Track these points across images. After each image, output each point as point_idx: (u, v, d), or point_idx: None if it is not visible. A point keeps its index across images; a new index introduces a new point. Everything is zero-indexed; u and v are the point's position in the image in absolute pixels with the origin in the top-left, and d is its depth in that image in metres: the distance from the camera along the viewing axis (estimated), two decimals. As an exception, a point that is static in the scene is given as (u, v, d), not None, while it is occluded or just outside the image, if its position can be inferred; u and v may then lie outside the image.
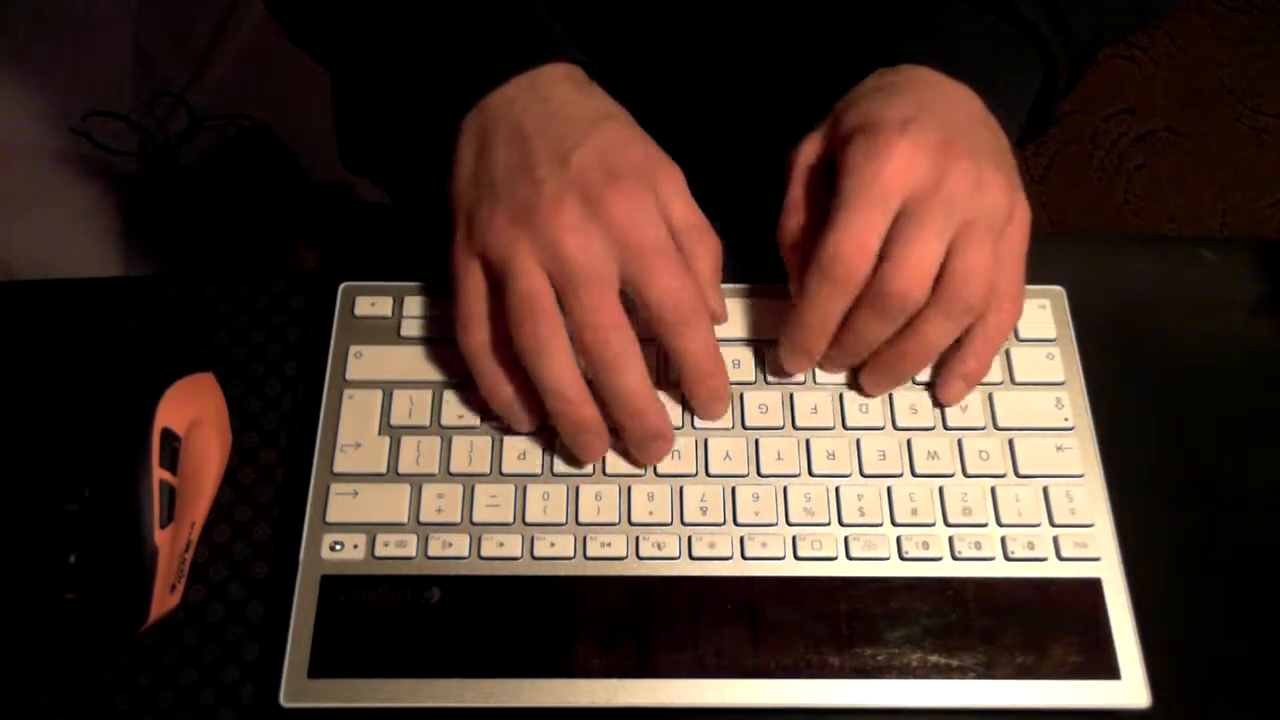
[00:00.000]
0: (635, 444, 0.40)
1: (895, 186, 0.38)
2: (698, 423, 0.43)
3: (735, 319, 0.45)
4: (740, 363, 0.44)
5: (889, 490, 0.42)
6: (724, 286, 0.45)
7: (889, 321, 0.39)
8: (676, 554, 0.41)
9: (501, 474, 0.42)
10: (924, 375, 0.43)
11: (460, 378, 0.43)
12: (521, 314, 0.38)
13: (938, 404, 0.43)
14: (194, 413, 0.42)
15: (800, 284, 0.41)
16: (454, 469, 0.42)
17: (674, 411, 0.43)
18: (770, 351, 0.44)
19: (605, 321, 0.38)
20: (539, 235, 0.38)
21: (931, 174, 0.38)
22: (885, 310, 0.39)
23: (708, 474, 0.42)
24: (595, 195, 0.38)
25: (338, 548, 0.41)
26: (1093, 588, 0.40)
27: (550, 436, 0.42)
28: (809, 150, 0.43)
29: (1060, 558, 0.41)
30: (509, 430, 0.42)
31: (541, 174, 0.39)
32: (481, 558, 0.40)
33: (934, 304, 0.39)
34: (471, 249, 0.40)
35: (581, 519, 0.41)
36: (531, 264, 0.38)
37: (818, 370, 0.44)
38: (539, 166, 0.39)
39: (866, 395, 0.43)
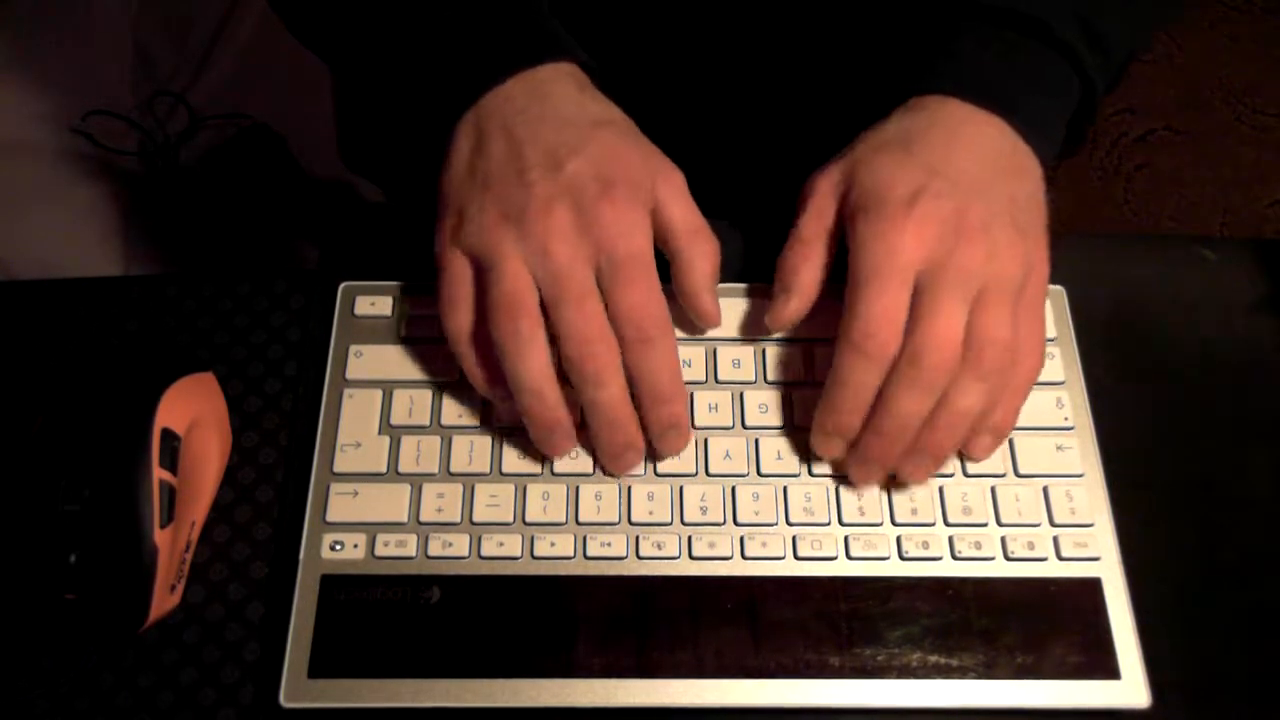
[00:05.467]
0: (608, 454, 0.41)
1: (909, 262, 0.38)
2: (698, 422, 0.43)
3: (736, 319, 0.45)
4: (740, 362, 0.44)
5: (889, 490, 0.42)
6: (725, 286, 0.45)
7: (927, 394, 0.38)
8: (676, 554, 0.41)
9: (501, 474, 0.42)
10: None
11: (460, 377, 0.43)
12: (502, 312, 0.38)
13: (967, 460, 0.42)
14: (194, 413, 0.42)
15: (779, 313, 0.41)
16: (454, 469, 0.42)
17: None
18: (773, 349, 0.44)
19: (592, 335, 0.38)
20: (527, 237, 0.38)
21: (943, 245, 0.38)
22: (921, 382, 0.38)
23: (708, 474, 0.42)
24: (588, 204, 0.38)
25: (338, 547, 0.41)
26: (1093, 588, 0.40)
27: (550, 436, 0.42)
28: (823, 190, 0.42)
29: (1060, 558, 0.41)
30: (509, 430, 0.42)
31: (534, 177, 0.39)
32: (481, 557, 0.40)
33: (963, 372, 0.38)
34: (458, 242, 0.40)
35: (581, 519, 0.41)
36: (517, 264, 0.38)
37: (819, 370, 0.43)
38: (532, 169, 0.39)
39: (907, 484, 0.41)
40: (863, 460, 0.40)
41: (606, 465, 0.41)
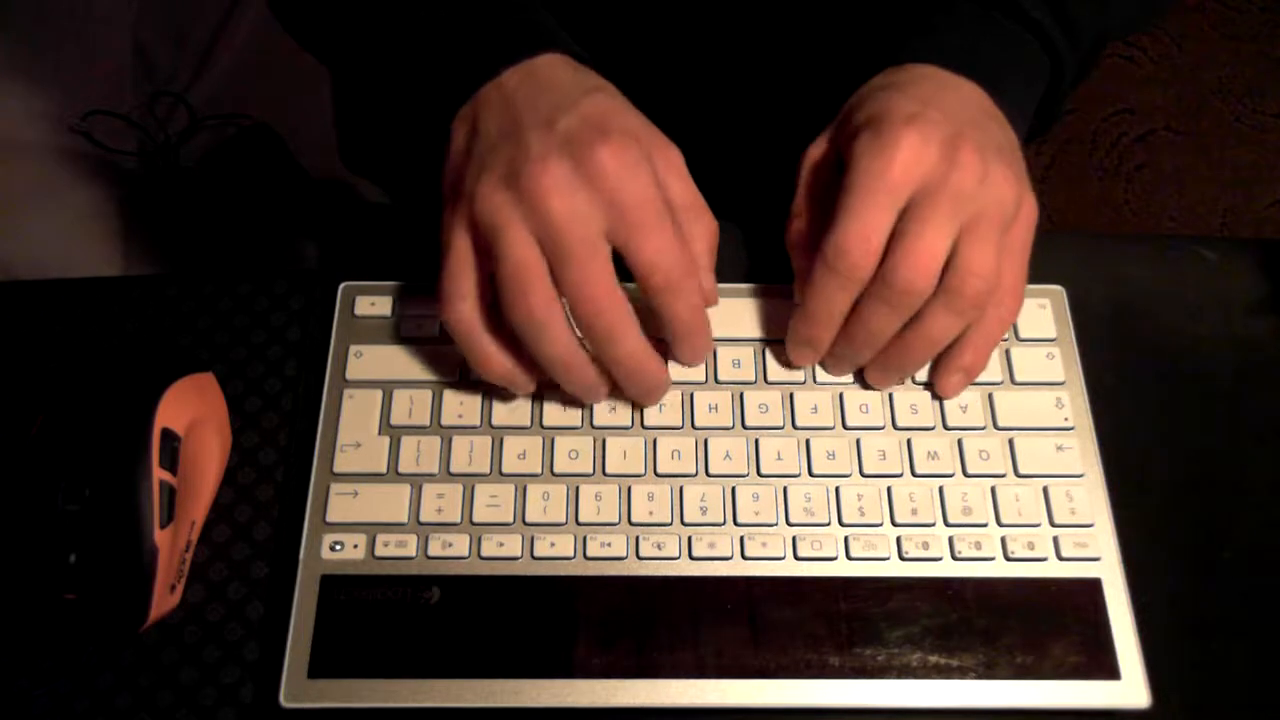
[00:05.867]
0: (637, 397, 0.42)
1: (902, 180, 0.38)
2: (698, 422, 0.43)
3: (736, 319, 0.45)
4: (740, 362, 0.44)
5: (889, 490, 0.42)
6: (726, 286, 0.45)
7: (896, 313, 0.39)
8: (676, 554, 0.41)
9: (501, 474, 0.42)
10: (923, 374, 0.43)
11: (460, 377, 0.43)
12: (514, 290, 0.37)
13: (936, 398, 0.43)
14: (194, 413, 0.42)
15: (796, 298, 0.42)
16: (454, 469, 0.42)
17: (669, 399, 0.43)
18: (774, 349, 0.44)
19: (597, 292, 0.37)
20: (526, 198, 0.37)
21: (938, 167, 0.38)
22: (892, 301, 0.38)
23: (708, 474, 0.42)
24: (584, 151, 0.37)
25: (338, 548, 0.41)
26: (1093, 588, 0.40)
27: (551, 436, 0.42)
28: (816, 152, 0.43)
29: (1060, 558, 0.41)
30: (509, 430, 0.42)
31: (528, 137, 0.38)
32: (481, 558, 0.40)
33: (939, 298, 0.38)
34: (460, 219, 0.38)
35: (581, 519, 0.41)
36: (520, 232, 0.37)
37: (819, 370, 0.44)
38: (526, 130, 0.38)
39: (870, 388, 0.43)
40: (834, 359, 0.43)
41: (635, 402, 0.43)
